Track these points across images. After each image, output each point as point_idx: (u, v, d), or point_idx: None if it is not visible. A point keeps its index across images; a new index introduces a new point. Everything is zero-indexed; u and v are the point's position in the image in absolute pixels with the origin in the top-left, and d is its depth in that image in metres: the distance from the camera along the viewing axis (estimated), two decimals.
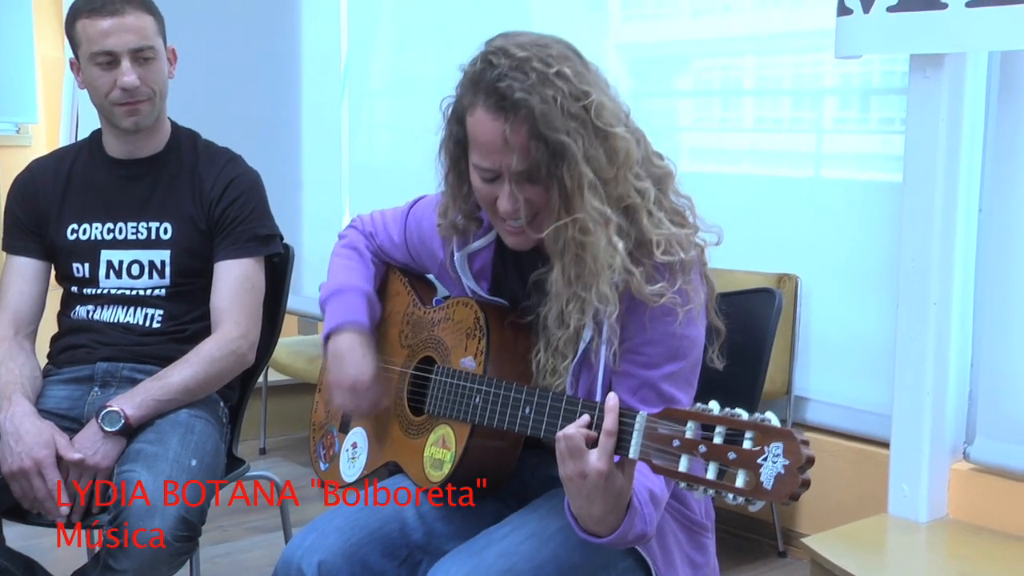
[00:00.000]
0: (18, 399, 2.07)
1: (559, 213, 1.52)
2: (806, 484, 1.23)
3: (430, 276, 1.95)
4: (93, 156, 2.30)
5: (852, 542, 2.66)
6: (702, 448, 1.30)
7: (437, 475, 1.70)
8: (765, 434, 1.25)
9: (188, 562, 2.05)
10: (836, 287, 3.18)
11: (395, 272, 1.97)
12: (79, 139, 3.78)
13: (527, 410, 1.55)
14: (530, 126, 1.49)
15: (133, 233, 2.24)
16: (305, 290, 4.28)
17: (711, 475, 1.28)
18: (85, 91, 2.23)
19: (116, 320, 2.24)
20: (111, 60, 2.14)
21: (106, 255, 2.24)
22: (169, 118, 2.31)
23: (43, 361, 2.29)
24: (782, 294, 1.85)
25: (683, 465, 1.32)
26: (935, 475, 2.73)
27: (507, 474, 1.73)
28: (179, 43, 2.29)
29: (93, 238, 2.25)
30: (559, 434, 1.44)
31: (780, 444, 1.24)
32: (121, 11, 2.13)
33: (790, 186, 3.34)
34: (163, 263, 2.23)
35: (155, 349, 2.22)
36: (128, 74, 2.14)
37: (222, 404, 2.27)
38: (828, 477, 3.18)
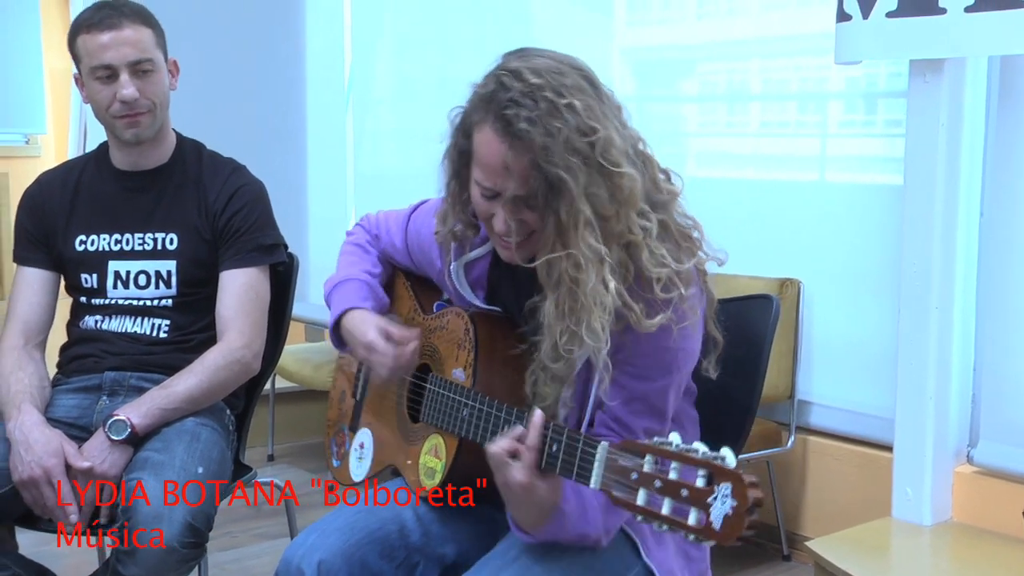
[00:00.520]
0: (27, 408, 2.09)
1: (553, 245, 1.51)
2: (753, 526, 1.23)
3: (434, 279, 1.96)
4: (100, 168, 2.33)
5: (856, 545, 2.67)
6: (657, 483, 1.30)
7: (430, 483, 1.73)
8: (716, 473, 1.25)
9: (196, 568, 2.06)
10: (839, 291, 3.19)
11: (399, 276, 1.99)
12: (87, 149, 3.80)
13: (507, 429, 1.56)
14: (531, 157, 1.48)
15: (140, 244, 2.26)
16: (311, 297, 4.30)
17: (666, 511, 1.29)
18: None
19: (124, 330, 2.26)
20: (110, 74, 2.17)
21: (113, 266, 2.26)
22: (174, 129, 2.33)
23: (52, 370, 2.32)
24: (780, 301, 1.85)
25: (641, 499, 1.32)
26: (938, 478, 2.75)
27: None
28: (183, 54, 2.31)
29: (101, 249, 2.27)
30: (486, 447, 1.52)
31: (729, 485, 1.23)
32: (119, 25, 2.16)
33: (794, 190, 3.35)
34: (169, 273, 2.25)
35: (161, 358, 2.24)
36: (127, 87, 2.17)
37: (228, 412, 2.29)
38: (832, 481, 3.19)
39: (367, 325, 1.83)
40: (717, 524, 1.23)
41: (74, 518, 2.02)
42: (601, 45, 3.86)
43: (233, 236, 2.25)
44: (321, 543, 1.70)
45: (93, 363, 2.26)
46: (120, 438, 2.05)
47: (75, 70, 2.25)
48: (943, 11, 2.48)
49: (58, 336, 2.36)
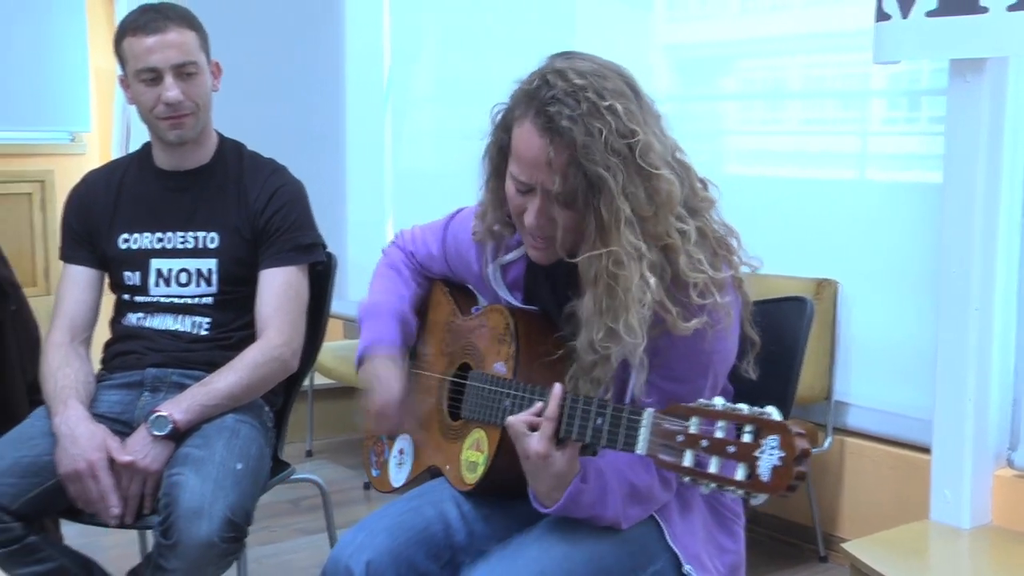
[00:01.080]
0: (73, 403, 2.13)
1: (594, 243, 1.54)
2: (801, 476, 1.25)
3: (470, 286, 1.99)
4: (143, 168, 2.37)
5: (893, 548, 2.66)
6: (704, 443, 1.33)
7: (472, 477, 1.75)
8: (762, 427, 1.28)
9: (236, 562, 2.09)
10: (877, 291, 3.17)
11: (437, 283, 2.02)
12: (130, 147, 3.80)
13: (533, 407, 1.59)
14: (571, 154, 1.51)
15: (181, 242, 2.30)
16: (350, 295, 4.33)
17: (713, 469, 1.31)
18: None
19: (165, 327, 2.30)
20: (155, 76, 2.21)
21: (156, 264, 2.30)
22: (216, 130, 2.37)
23: (96, 366, 2.36)
24: (814, 303, 1.86)
25: (687, 460, 1.35)
26: (978, 481, 2.72)
27: None
28: (224, 55, 2.34)
29: (143, 247, 2.31)
30: (506, 420, 1.59)
31: (776, 437, 1.26)
32: (163, 28, 2.20)
33: (833, 189, 3.33)
34: (210, 271, 2.29)
35: (202, 355, 2.28)
36: (171, 89, 2.20)
37: (267, 408, 2.32)
38: (869, 482, 3.17)
39: (392, 379, 1.89)
40: (765, 476, 1.26)
41: (116, 511, 2.06)
42: (641, 42, 3.86)
43: (273, 235, 2.28)
44: (369, 543, 1.72)
45: (135, 360, 2.30)
46: (162, 433, 2.08)
47: (120, 72, 2.29)
48: (984, 10, 2.46)
49: (101, 333, 2.40)
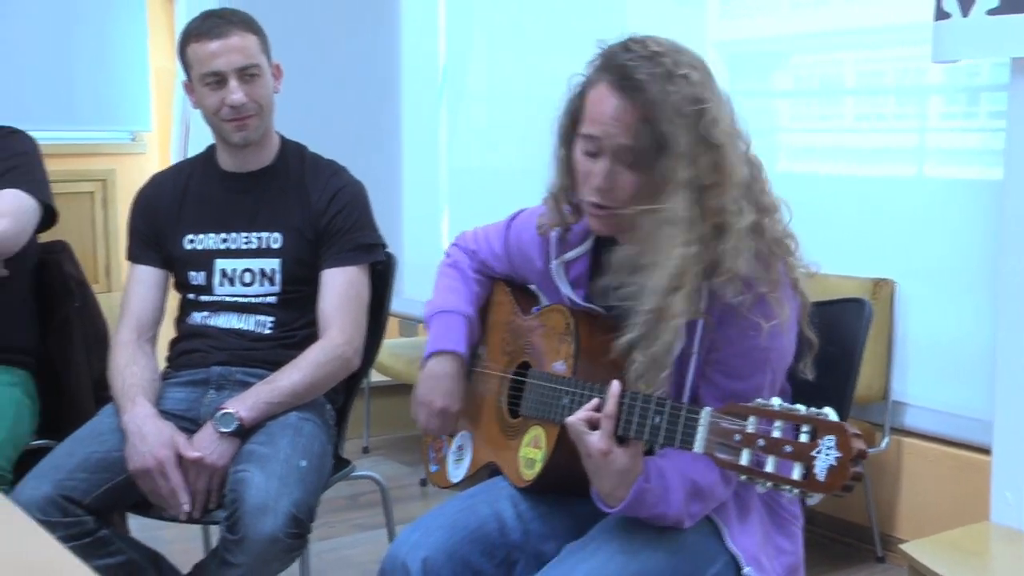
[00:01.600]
0: (141, 401, 2.18)
1: (646, 199, 1.58)
2: (857, 477, 1.27)
3: (531, 286, 2.02)
4: (207, 170, 2.41)
5: (953, 550, 2.63)
6: (761, 442, 1.35)
7: (530, 474, 1.78)
8: (819, 428, 1.29)
9: (299, 558, 2.13)
10: (934, 290, 3.15)
11: (499, 282, 2.05)
12: (189, 146, 3.83)
13: (590, 403, 1.61)
14: (643, 112, 1.57)
15: (245, 243, 2.34)
16: (406, 292, 4.37)
17: (770, 468, 1.33)
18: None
19: (229, 326, 2.34)
20: (219, 80, 2.25)
21: (220, 264, 2.35)
22: (278, 132, 2.41)
23: (162, 364, 2.41)
24: (872, 305, 1.85)
25: (744, 458, 1.36)
26: None
27: None
28: (280, 57, 2.38)
29: (208, 248, 2.36)
30: (565, 419, 1.59)
31: (833, 437, 1.27)
32: (227, 33, 2.25)
33: (890, 186, 3.31)
34: (273, 271, 2.33)
35: (265, 354, 2.32)
36: (235, 92, 2.25)
37: (329, 406, 2.36)
38: (927, 483, 3.16)
39: (453, 388, 1.97)
40: (821, 475, 1.27)
41: (186, 507, 2.11)
42: (693, 38, 3.81)
43: (334, 236, 2.31)
44: (425, 540, 1.75)
45: (200, 358, 2.35)
46: (228, 430, 2.13)
47: (184, 77, 2.34)
48: None
49: (166, 331, 2.45)
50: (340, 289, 2.30)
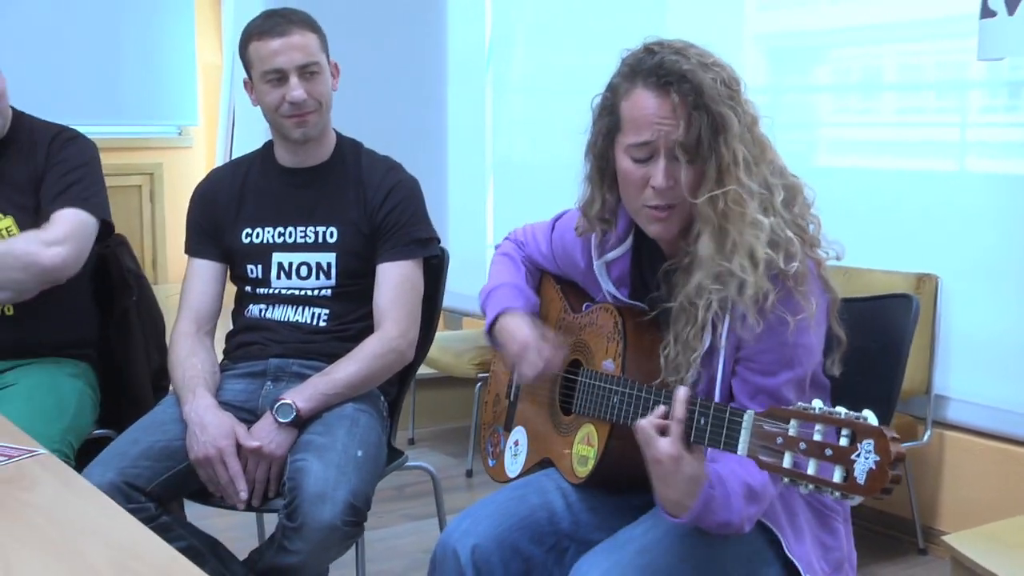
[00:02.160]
0: (202, 392, 2.24)
1: (713, 185, 1.61)
2: (896, 480, 1.29)
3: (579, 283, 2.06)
4: (265, 165, 2.47)
5: (996, 542, 2.65)
6: (802, 445, 1.37)
7: (583, 471, 1.82)
8: (859, 432, 1.32)
9: (355, 545, 2.19)
10: (977, 284, 3.16)
11: (548, 280, 2.09)
12: (234, 141, 3.86)
13: (657, 409, 1.62)
14: (695, 97, 1.60)
15: (302, 237, 2.39)
16: (451, 285, 4.42)
17: (811, 471, 1.36)
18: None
19: (286, 319, 2.40)
20: (280, 77, 2.31)
21: (277, 257, 2.40)
22: (334, 129, 2.46)
23: (219, 356, 2.46)
24: (919, 300, 1.86)
25: (787, 461, 1.39)
26: None
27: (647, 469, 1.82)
28: (332, 54, 2.42)
29: (265, 241, 2.41)
30: (635, 424, 1.57)
31: (871, 441, 1.30)
32: (288, 31, 2.30)
33: (931, 181, 3.31)
34: (329, 265, 2.38)
35: (321, 346, 2.37)
36: (296, 88, 2.30)
37: (382, 398, 2.41)
38: (970, 476, 3.17)
39: (524, 326, 1.94)
40: (861, 479, 1.30)
41: (244, 495, 2.17)
42: (732, 31, 3.85)
43: (390, 231, 2.36)
44: (474, 528, 1.80)
45: (258, 350, 2.40)
46: (287, 421, 2.19)
47: (245, 75, 2.39)
48: None
49: (223, 324, 2.51)
50: (395, 283, 2.35)
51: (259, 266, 2.42)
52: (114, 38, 5.74)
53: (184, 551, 2.17)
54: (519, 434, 2.06)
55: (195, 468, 2.18)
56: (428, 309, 2.45)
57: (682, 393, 1.55)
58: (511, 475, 2.04)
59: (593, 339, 1.89)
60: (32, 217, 2.38)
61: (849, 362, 1.70)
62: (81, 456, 2.31)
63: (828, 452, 1.34)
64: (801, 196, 1.68)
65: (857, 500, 1.33)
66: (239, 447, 2.18)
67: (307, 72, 2.31)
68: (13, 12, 5.41)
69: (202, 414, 2.20)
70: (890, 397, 1.83)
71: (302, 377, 2.31)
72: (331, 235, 2.39)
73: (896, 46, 3.44)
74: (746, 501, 1.62)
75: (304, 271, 2.39)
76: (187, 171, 6.00)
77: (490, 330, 2.01)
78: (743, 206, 1.59)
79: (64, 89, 5.45)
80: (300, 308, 2.40)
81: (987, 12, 2.65)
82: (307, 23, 2.34)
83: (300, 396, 2.21)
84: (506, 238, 2.17)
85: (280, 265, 2.40)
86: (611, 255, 1.85)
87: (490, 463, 2.14)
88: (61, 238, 2.33)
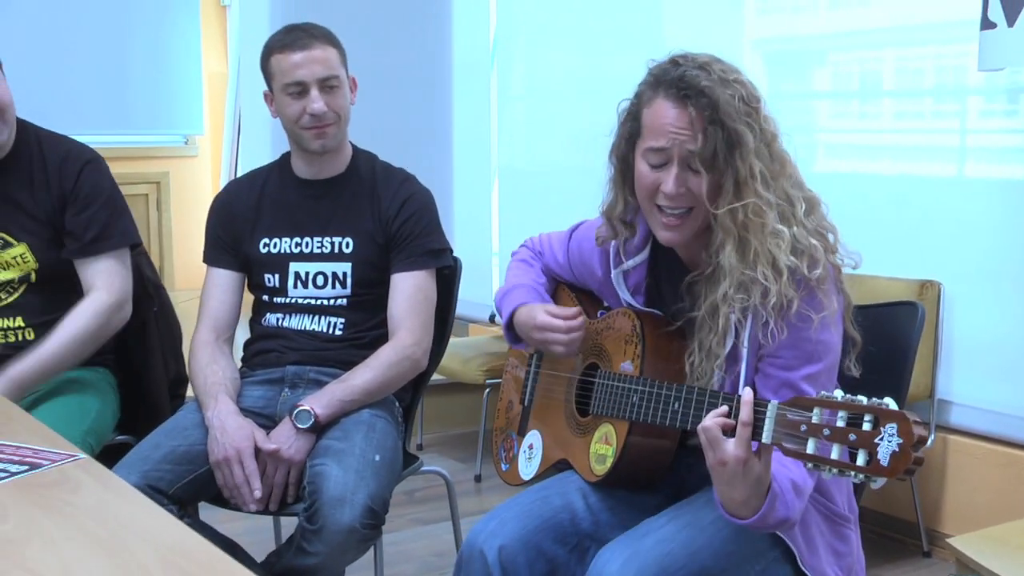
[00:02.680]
0: (223, 398, 2.30)
1: (731, 197, 1.68)
2: (919, 461, 1.34)
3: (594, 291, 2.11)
4: (283, 177, 2.52)
5: (1000, 544, 2.68)
6: (826, 431, 1.43)
7: (601, 469, 1.87)
8: (881, 416, 1.37)
9: (372, 548, 2.23)
10: (979, 290, 3.20)
11: (563, 287, 2.15)
12: (240, 150, 3.88)
13: (676, 405, 1.71)
14: (712, 112, 1.67)
15: (318, 247, 2.45)
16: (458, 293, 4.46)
17: (835, 455, 1.41)
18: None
19: (303, 327, 2.45)
20: (301, 89, 2.36)
21: (294, 267, 2.45)
22: (350, 141, 2.51)
23: (237, 363, 2.51)
24: (925, 308, 1.91)
25: (810, 447, 1.44)
26: None
27: (665, 467, 1.88)
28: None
29: (283, 251, 2.46)
30: (699, 426, 1.60)
31: (895, 425, 1.35)
32: (309, 45, 2.36)
33: (931, 186, 3.34)
34: (345, 274, 2.43)
35: (337, 354, 2.42)
36: (316, 101, 2.36)
37: (397, 404, 2.46)
38: (973, 480, 3.21)
39: (534, 311, 2.00)
40: (885, 461, 1.35)
41: (258, 494, 2.21)
42: (731, 36, 3.87)
43: (404, 241, 2.42)
44: (500, 530, 1.85)
45: (276, 358, 2.45)
46: (305, 426, 2.24)
47: (266, 88, 2.45)
48: None
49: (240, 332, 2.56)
50: (409, 292, 2.40)
51: (276, 276, 2.47)
52: (121, 48, 5.79)
53: None
54: (533, 438, 2.11)
55: (213, 471, 2.23)
56: (441, 318, 2.50)
57: (747, 395, 1.56)
58: (525, 478, 2.09)
59: (610, 343, 1.94)
60: (46, 244, 2.42)
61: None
62: (101, 462, 2.34)
63: (852, 437, 1.39)
64: (819, 208, 1.75)
65: (881, 482, 1.38)
66: (258, 452, 2.22)
67: (327, 85, 2.36)
68: (20, 22, 5.46)
69: (224, 419, 2.25)
70: (897, 402, 1.84)
71: (319, 384, 2.36)
72: (347, 245, 2.43)
73: (895, 51, 3.46)
74: (796, 497, 1.66)
75: (320, 280, 2.44)
76: (193, 180, 6.05)
77: (508, 327, 2.07)
78: (763, 217, 1.66)
79: (71, 99, 5.50)
80: (316, 317, 2.45)
81: (987, 24, 2.70)
82: (328, 38, 2.40)
83: (318, 402, 2.26)
84: (523, 245, 2.23)
85: (297, 275, 2.45)
86: (628, 264, 1.91)
87: (503, 467, 2.19)
88: (118, 299, 2.43)
